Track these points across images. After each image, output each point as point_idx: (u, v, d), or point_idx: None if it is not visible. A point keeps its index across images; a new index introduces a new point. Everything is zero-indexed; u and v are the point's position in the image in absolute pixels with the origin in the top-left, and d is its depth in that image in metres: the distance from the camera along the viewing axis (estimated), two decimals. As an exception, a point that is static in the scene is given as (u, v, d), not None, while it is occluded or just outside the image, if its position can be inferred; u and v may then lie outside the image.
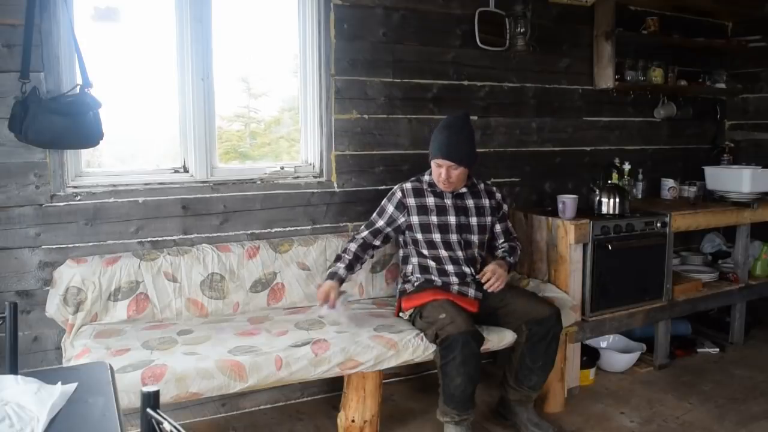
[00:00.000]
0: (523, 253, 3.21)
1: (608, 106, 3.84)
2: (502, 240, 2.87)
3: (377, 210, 2.80)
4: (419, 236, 2.73)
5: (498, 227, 2.86)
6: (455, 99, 3.32)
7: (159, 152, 3.02)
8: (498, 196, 2.87)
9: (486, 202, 2.81)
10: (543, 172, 3.65)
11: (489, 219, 2.81)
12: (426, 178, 2.77)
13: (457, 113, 2.73)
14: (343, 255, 2.69)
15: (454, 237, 2.71)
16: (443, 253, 2.72)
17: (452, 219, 2.72)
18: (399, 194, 2.75)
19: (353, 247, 2.70)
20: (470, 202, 2.77)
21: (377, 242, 2.76)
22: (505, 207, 2.90)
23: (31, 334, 2.57)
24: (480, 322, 2.58)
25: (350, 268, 2.66)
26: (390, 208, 2.75)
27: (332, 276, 2.61)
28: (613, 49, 3.57)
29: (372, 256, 2.85)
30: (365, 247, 2.73)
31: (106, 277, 2.54)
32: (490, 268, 2.66)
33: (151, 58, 2.79)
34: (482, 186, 2.84)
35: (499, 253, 2.82)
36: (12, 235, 2.50)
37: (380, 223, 2.75)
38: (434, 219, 2.71)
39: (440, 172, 2.65)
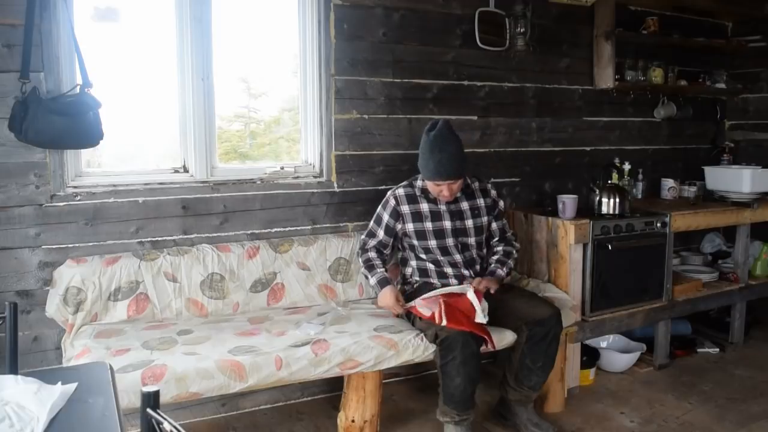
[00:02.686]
0: (523, 252, 3.22)
1: (608, 106, 3.84)
2: (496, 239, 2.86)
3: (374, 218, 2.81)
4: (415, 242, 2.73)
5: (494, 225, 2.85)
6: (455, 99, 3.32)
7: (159, 152, 3.01)
8: (493, 193, 2.86)
9: (481, 201, 2.80)
10: (543, 172, 3.65)
11: (485, 219, 2.80)
12: (419, 183, 2.75)
13: (436, 125, 2.58)
14: (373, 263, 2.74)
15: (450, 241, 2.71)
16: (441, 257, 2.72)
17: (447, 224, 2.71)
18: (393, 202, 2.75)
19: (373, 254, 2.76)
20: (464, 205, 2.76)
21: (387, 252, 2.82)
22: (501, 204, 2.88)
23: (31, 334, 2.57)
24: (480, 322, 2.58)
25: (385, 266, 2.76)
26: (386, 216, 2.76)
27: (385, 282, 2.68)
28: (613, 49, 3.57)
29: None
30: (380, 253, 2.78)
31: (106, 277, 2.54)
32: (482, 285, 2.60)
33: (151, 58, 2.79)
34: (476, 185, 2.83)
35: (492, 263, 2.79)
36: (12, 235, 2.50)
37: (381, 234, 2.77)
38: (429, 225, 2.71)
39: (440, 189, 2.63)
